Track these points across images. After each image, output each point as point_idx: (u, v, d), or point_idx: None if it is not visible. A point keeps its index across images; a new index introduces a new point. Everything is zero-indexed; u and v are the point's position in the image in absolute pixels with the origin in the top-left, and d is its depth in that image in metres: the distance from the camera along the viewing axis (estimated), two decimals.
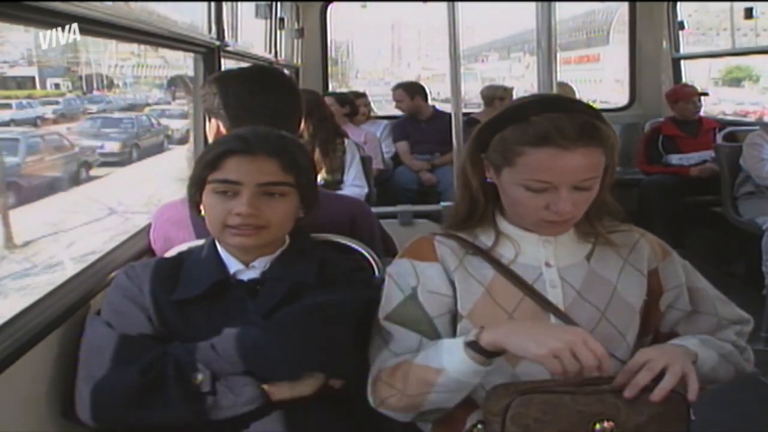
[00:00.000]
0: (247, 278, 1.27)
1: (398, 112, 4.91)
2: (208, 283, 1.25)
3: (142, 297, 1.25)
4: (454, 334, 1.20)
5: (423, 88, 4.81)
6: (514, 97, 4.66)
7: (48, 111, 12.42)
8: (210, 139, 1.60)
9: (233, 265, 1.27)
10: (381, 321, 1.21)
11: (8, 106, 11.73)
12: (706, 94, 4.38)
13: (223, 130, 1.54)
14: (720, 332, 1.24)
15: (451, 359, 1.10)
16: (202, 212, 1.28)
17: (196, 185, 1.26)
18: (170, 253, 1.47)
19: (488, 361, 1.09)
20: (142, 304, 1.25)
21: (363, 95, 4.87)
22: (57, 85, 14.20)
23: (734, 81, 20.04)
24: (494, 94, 4.67)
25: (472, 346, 1.08)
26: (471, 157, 1.21)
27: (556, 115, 1.10)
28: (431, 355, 1.13)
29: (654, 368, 1.05)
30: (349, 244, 1.51)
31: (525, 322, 1.13)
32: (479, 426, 1.13)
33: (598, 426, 1.04)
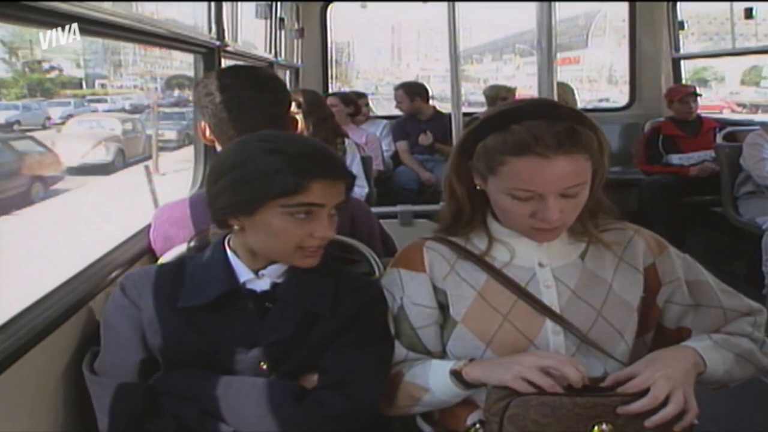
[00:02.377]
0: (259, 289, 1.24)
1: (398, 112, 4.91)
2: (218, 291, 1.22)
3: (138, 312, 1.24)
4: (441, 343, 1.23)
5: (424, 89, 4.80)
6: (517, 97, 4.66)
7: (127, 104, 16.33)
8: (201, 139, 1.60)
9: (243, 273, 1.24)
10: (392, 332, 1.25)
11: (105, 100, 15.78)
12: (699, 95, 4.39)
13: (209, 129, 1.53)
14: (731, 325, 1.23)
15: (436, 382, 1.16)
16: (236, 228, 1.22)
17: (251, 206, 1.17)
18: (170, 253, 1.47)
19: (470, 389, 1.14)
20: (137, 320, 1.23)
21: (363, 95, 4.88)
22: (103, 85, 17.24)
23: (701, 81, 20.73)
24: (497, 94, 4.66)
25: (456, 375, 1.13)
26: (456, 165, 1.21)
27: (536, 123, 1.08)
28: (419, 373, 1.18)
29: (658, 396, 1.05)
30: (350, 243, 1.51)
31: (503, 358, 1.15)
32: (477, 426, 1.13)
33: (596, 429, 1.04)
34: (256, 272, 1.25)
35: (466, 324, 1.19)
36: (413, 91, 4.73)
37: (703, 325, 1.23)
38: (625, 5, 5.14)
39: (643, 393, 1.06)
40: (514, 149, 1.09)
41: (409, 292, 1.23)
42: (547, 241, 1.20)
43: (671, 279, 1.23)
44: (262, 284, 1.25)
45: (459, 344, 1.20)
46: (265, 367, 1.19)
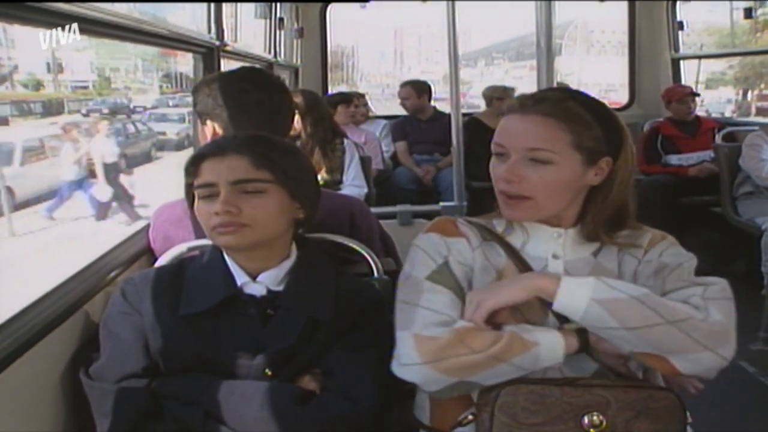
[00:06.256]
0: (258, 295, 1.25)
1: (396, 112, 4.90)
2: (218, 297, 1.23)
3: (139, 318, 1.24)
4: None
5: (430, 88, 4.80)
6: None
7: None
8: (206, 140, 1.60)
9: (240, 276, 1.25)
10: (421, 279, 1.15)
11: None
12: (697, 95, 4.39)
13: (219, 131, 1.54)
14: (672, 291, 1.12)
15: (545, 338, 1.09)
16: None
17: (187, 195, 1.28)
18: (170, 252, 1.48)
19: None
20: (139, 326, 1.24)
21: (362, 96, 4.88)
22: (159, 86, 19.45)
23: None
24: (492, 94, 4.70)
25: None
26: None
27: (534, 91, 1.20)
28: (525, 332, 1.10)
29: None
30: (349, 243, 1.51)
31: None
32: (470, 416, 1.13)
33: (587, 419, 1.06)
34: (253, 276, 1.25)
35: None
36: (421, 89, 4.72)
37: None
38: (623, 6, 5.13)
39: (637, 384, 1.07)
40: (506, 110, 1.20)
41: (455, 253, 1.19)
42: (516, 219, 1.20)
43: (649, 259, 1.20)
44: (260, 288, 1.25)
45: None
46: (270, 373, 1.20)
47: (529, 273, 1.16)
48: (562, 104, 1.14)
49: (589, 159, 1.15)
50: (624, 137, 1.18)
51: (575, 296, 1.06)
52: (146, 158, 13.29)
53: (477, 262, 1.20)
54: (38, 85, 16.43)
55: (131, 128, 14.13)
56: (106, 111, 15.65)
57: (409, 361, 1.09)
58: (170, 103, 17.53)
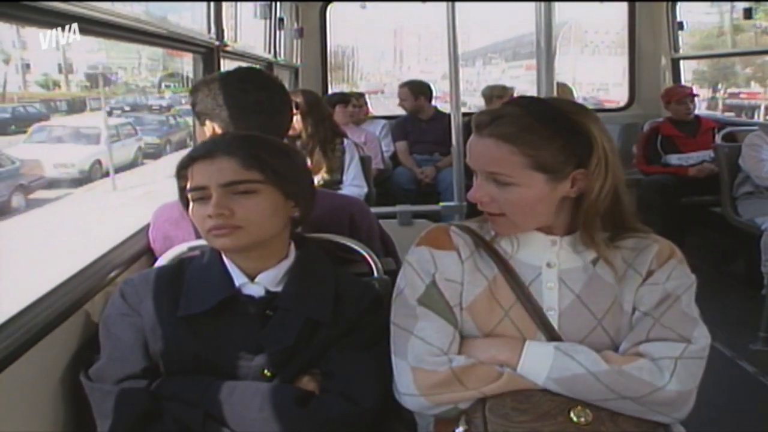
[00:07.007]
0: (257, 296, 1.25)
1: (395, 112, 4.89)
2: (216, 298, 1.23)
3: (139, 319, 1.24)
4: None
5: (428, 89, 4.79)
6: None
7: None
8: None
9: (238, 276, 1.25)
10: (413, 303, 1.18)
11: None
12: (696, 95, 4.39)
13: (218, 131, 1.54)
14: (655, 340, 1.13)
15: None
16: None
17: (181, 198, 1.28)
18: (170, 252, 1.48)
19: None
20: (139, 327, 1.24)
21: (362, 95, 4.88)
22: (168, 86, 20.66)
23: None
24: (492, 93, 4.71)
25: None
26: None
27: (496, 107, 1.17)
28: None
29: None
30: (349, 243, 1.51)
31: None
32: (460, 429, 1.13)
33: (573, 413, 1.08)
34: (251, 277, 1.25)
35: (471, 312, 1.18)
36: (418, 90, 4.71)
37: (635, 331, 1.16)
38: (618, 6, 5.13)
39: None
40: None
41: (442, 269, 1.20)
42: (499, 233, 1.20)
43: (655, 282, 1.17)
44: (258, 289, 1.26)
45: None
46: (268, 374, 1.20)
47: (496, 341, 1.16)
48: (517, 124, 1.11)
49: (555, 176, 1.12)
50: (593, 145, 1.12)
51: (534, 372, 1.12)
52: (183, 145, 14.95)
53: (466, 275, 1.20)
54: (54, 85, 18.38)
55: (172, 120, 17.00)
56: (127, 108, 18.00)
57: (406, 392, 1.15)
58: (183, 101, 18.27)
